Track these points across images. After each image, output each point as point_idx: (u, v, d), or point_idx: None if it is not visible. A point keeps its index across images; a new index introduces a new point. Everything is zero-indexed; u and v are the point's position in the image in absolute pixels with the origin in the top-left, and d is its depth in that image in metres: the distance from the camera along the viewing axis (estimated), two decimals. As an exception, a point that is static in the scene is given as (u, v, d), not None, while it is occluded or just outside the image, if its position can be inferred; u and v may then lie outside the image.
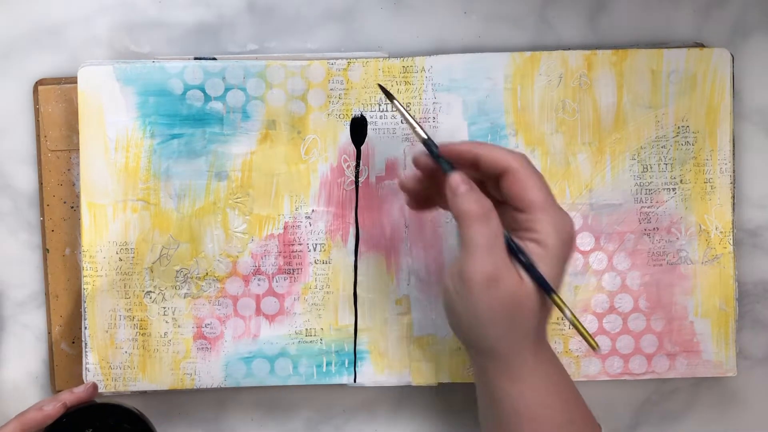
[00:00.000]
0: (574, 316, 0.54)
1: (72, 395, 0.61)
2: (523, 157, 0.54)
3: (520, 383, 0.54)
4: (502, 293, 0.52)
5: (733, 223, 0.66)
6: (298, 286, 0.65)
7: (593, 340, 0.53)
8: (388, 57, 0.65)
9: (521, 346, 0.54)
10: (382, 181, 0.65)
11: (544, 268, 0.53)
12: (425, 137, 0.56)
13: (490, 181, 0.56)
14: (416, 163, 0.57)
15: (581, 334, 0.54)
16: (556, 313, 0.65)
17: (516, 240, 0.54)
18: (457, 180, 0.54)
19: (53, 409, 0.60)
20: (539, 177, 0.54)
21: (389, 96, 0.58)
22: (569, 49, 0.66)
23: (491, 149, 0.55)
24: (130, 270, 0.64)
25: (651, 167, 0.66)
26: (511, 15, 0.67)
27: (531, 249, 0.53)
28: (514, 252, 0.53)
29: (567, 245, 0.53)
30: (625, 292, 0.66)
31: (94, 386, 0.62)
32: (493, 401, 0.56)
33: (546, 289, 0.53)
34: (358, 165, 0.65)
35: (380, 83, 0.63)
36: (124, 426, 0.61)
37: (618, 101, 0.65)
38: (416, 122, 0.57)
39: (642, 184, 0.66)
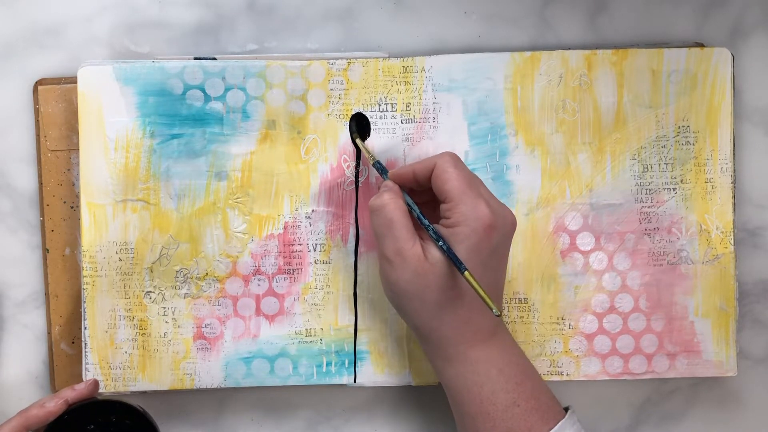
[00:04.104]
0: (480, 287, 0.55)
1: (73, 392, 0.61)
2: (449, 155, 0.59)
3: (454, 364, 0.59)
4: (407, 269, 0.57)
5: (733, 223, 0.66)
6: (298, 286, 0.65)
7: (496, 307, 0.55)
8: (388, 57, 0.65)
9: (441, 323, 0.58)
10: (381, 181, 0.65)
11: (456, 252, 0.57)
12: (375, 160, 0.63)
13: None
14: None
15: (486, 302, 0.55)
16: (553, 313, 0.65)
17: (433, 225, 0.58)
18: (384, 183, 0.61)
19: (55, 406, 0.60)
20: (460, 171, 0.58)
21: (356, 137, 0.65)
22: (569, 49, 0.65)
23: (424, 159, 0.60)
24: (130, 270, 0.64)
25: (651, 167, 0.65)
26: (511, 15, 0.67)
27: (443, 233, 0.58)
28: (430, 235, 0.58)
29: (478, 233, 0.57)
30: (626, 292, 0.66)
31: (95, 383, 0.62)
32: (442, 383, 0.61)
33: (455, 263, 0.56)
34: (358, 165, 0.65)
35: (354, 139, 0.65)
36: (125, 422, 0.61)
37: (618, 101, 0.65)
38: (372, 155, 0.64)
39: (642, 183, 0.66)
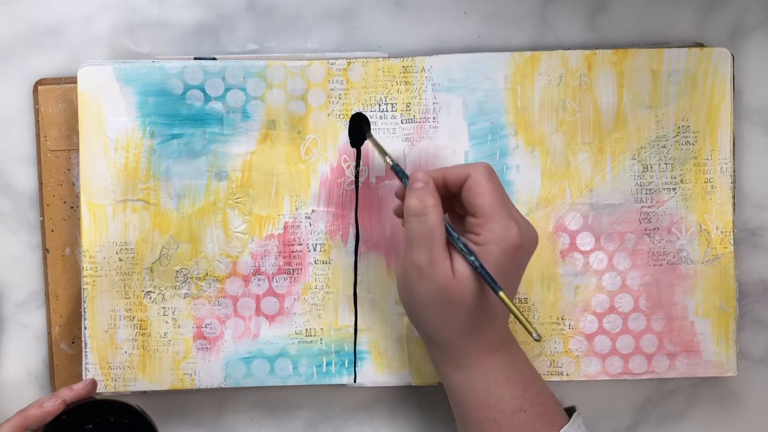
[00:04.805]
0: (518, 310, 0.55)
1: (71, 392, 0.61)
2: (484, 167, 0.58)
3: (464, 371, 0.58)
4: (434, 283, 0.56)
5: (733, 223, 0.66)
6: (298, 286, 0.65)
7: (536, 331, 0.55)
8: (388, 57, 0.65)
9: (458, 335, 0.58)
10: (382, 181, 0.65)
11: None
12: (394, 162, 0.61)
13: (458, 199, 0.59)
14: (397, 194, 0.62)
15: (525, 327, 0.55)
16: (553, 313, 0.65)
17: (462, 239, 0.57)
18: (416, 176, 0.58)
19: (53, 406, 0.60)
20: (494, 187, 0.57)
21: (365, 132, 0.64)
22: (569, 49, 0.65)
23: (456, 166, 0.59)
24: (130, 270, 0.64)
25: (651, 167, 0.65)
26: (511, 15, 0.67)
27: (472, 250, 0.56)
28: (460, 249, 0.56)
29: (507, 253, 0.56)
30: (626, 291, 0.66)
31: (93, 382, 0.62)
32: (446, 388, 0.60)
33: (489, 283, 0.56)
34: (358, 165, 0.65)
35: (358, 113, 0.65)
36: (124, 422, 0.61)
37: (618, 101, 0.65)
38: (386, 153, 0.62)
39: (642, 183, 0.66)
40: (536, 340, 0.54)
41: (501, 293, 0.55)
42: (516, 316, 0.55)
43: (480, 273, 0.56)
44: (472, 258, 0.56)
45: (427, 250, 0.56)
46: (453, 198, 0.59)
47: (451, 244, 0.57)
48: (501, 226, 0.56)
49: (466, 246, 0.56)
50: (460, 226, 0.59)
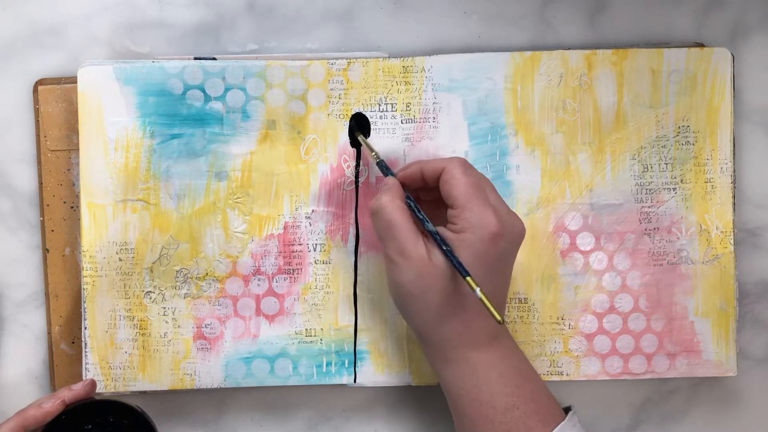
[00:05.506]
0: (484, 295, 0.55)
1: (71, 392, 0.61)
2: (458, 160, 0.59)
3: (454, 366, 0.59)
4: (410, 269, 0.57)
5: (733, 223, 0.66)
6: (298, 286, 0.65)
7: (499, 315, 0.55)
8: (388, 57, 0.65)
9: (439, 321, 0.58)
10: (381, 181, 0.65)
11: (460, 257, 0.57)
12: (380, 158, 0.62)
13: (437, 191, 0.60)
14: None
15: (489, 310, 0.55)
16: (553, 313, 0.65)
17: (437, 228, 0.58)
18: (385, 180, 0.61)
19: (52, 406, 0.60)
20: (468, 178, 0.58)
21: (358, 134, 0.65)
22: (569, 49, 0.65)
23: (433, 159, 0.61)
24: (130, 270, 0.64)
25: (651, 167, 0.65)
26: (511, 15, 0.67)
27: (450, 238, 0.57)
28: (435, 239, 0.58)
29: (484, 241, 0.57)
30: (626, 291, 0.66)
31: (93, 383, 0.62)
32: (441, 384, 0.61)
33: (457, 268, 0.56)
34: (358, 165, 0.65)
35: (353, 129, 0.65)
36: (123, 422, 0.61)
37: (618, 101, 0.65)
38: (373, 150, 0.63)
39: (642, 183, 0.66)
40: (499, 323, 0.54)
41: (468, 278, 0.55)
42: (481, 300, 0.55)
43: (449, 258, 0.56)
44: (445, 248, 0.57)
45: (393, 241, 0.58)
46: (438, 190, 0.60)
47: (426, 234, 0.58)
48: (476, 214, 0.57)
49: (439, 236, 0.57)
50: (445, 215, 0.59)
